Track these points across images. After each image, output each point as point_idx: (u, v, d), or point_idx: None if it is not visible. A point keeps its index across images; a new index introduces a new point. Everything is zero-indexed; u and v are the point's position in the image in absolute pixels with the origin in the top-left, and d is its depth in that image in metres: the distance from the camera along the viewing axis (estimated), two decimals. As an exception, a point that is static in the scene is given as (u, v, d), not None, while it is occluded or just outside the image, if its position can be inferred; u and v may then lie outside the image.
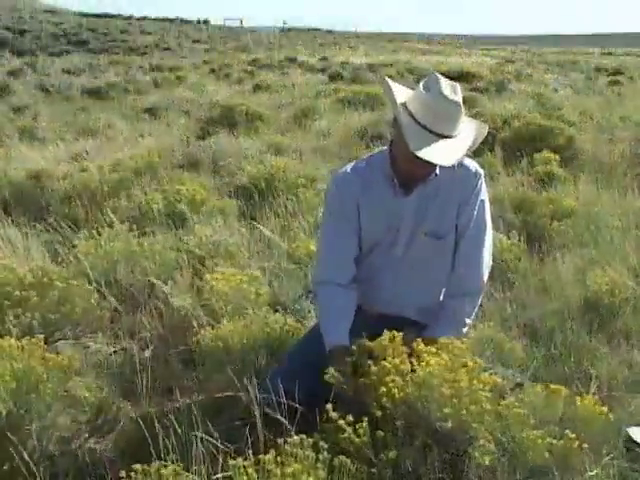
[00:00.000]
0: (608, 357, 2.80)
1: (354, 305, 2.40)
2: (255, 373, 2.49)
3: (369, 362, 2.06)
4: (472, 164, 2.39)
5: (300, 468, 1.73)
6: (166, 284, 3.45)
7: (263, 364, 2.64)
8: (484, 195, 2.40)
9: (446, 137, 2.16)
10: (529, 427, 1.93)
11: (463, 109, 2.18)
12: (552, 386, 2.11)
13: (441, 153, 2.13)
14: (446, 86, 2.16)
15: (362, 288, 2.47)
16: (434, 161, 2.14)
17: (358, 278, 2.46)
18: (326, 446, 1.82)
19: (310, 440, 1.83)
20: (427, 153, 2.11)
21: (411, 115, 2.17)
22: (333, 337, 2.28)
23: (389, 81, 2.30)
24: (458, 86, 2.19)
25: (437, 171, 2.31)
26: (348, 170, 2.46)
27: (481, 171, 2.39)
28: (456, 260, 2.40)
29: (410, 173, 2.29)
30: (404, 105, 2.22)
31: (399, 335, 2.12)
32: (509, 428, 1.95)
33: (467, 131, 2.24)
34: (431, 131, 2.14)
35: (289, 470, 1.72)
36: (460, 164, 2.32)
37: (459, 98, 2.16)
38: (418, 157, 2.12)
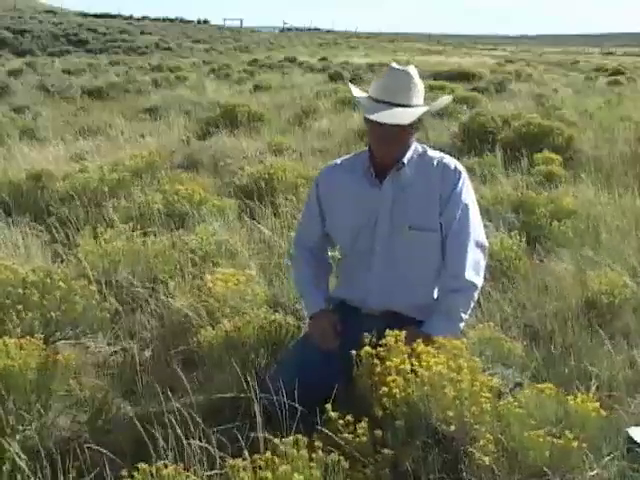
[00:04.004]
0: (608, 357, 2.80)
1: (325, 272, 2.67)
2: (255, 373, 2.49)
3: (376, 362, 2.07)
4: (452, 162, 2.47)
5: (290, 468, 1.73)
6: (166, 284, 3.45)
7: (263, 364, 2.64)
8: (466, 192, 2.43)
9: (402, 106, 2.32)
10: (529, 427, 1.93)
11: (415, 79, 2.36)
12: (545, 385, 2.11)
13: (391, 115, 2.29)
14: (397, 64, 2.43)
15: (355, 288, 2.52)
16: (381, 120, 2.29)
17: (348, 279, 2.59)
18: (321, 445, 1.82)
19: (305, 440, 1.83)
20: (378, 116, 2.30)
21: (369, 97, 2.41)
22: (311, 306, 2.56)
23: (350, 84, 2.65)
24: (412, 66, 2.43)
25: (405, 160, 2.41)
26: (337, 162, 2.64)
27: (461, 168, 2.45)
28: (444, 257, 2.41)
29: (379, 154, 2.42)
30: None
31: (401, 334, 2.12)
32: (509, 428, 1.95)
33: (428, 102, 2.44)
34: (383, 101, 2.34)
35: (280, 470, 1.72)
36: (440, 162, 2.44)
37: (410, 70, 2.37)
38: (372, 121, 2.31)
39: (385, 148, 2.40)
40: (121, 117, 9.57)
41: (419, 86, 2.38)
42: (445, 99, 2.63)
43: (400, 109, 2.31)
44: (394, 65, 2.40)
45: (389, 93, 2.33)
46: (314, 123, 9.22)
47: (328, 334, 2.41)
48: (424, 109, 2.36)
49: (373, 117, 2.31)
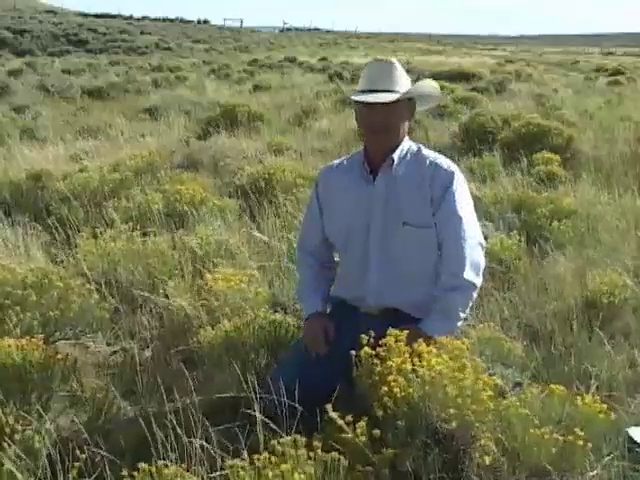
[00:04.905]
0: (608, 357, 2.80)
1: (328, 276, 2.66)
2: (255, 373, 2.49)
3: (376, 362, 2.07)
4: (445, 162, 2.47)
5: (290, 467, 1.73)
6: (166, 284, 3.45)
7: (263, 364, 2.64)
8: (460, 191, 2.42)
9: (386, 91, 2.34)
10: (532, 426, 1.93)
11: (397, 67, 2.40)
12: (551, 386, 2.12)
13: (374, 96, 2.33)
14: (380, 56, 2.55)
15: (353, 288, 2.53)
16: (363, 99, 2.35)
17: (347, 279, 2.58)
18: (320, 445, 1.82)
19: (304, 439, 1.83)
20: (362, 98, 2.36)
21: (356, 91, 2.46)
22: (307, 308, 2.58)
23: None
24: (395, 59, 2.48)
25: (395, 156, 2.42)
26: (335, 163, 2.66)
27: (454, 168, 2.45)
28: (442, 257, 2.40)
29: (370, 145, 2.45)
30: None
31: (401, 334, 2.12)
32: (510, 427, 1.95)
33: (415, 87, 2.44)
34: (369, 90, 2.37)
35: (278, 470, 1.72)
36: (432, 162, 2.44)
37: (391, 59, 2.45)
38: (360, 110, 2.40)
39: (375, 137, 2.40)
40: (121, 117, 9.57)
41: (403, 75, 2.41)
42: (428, 85, 2.53)
43: (383, 94, 2.33)
44: (377, 57, 2.50)
45: (372, 82, 2.37)
46: (314, 123, 9.22)
47: (318, 339, 2.41)
48: (408, 90, 2.38)
49: (357, 98, 2.37)
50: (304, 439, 1.83)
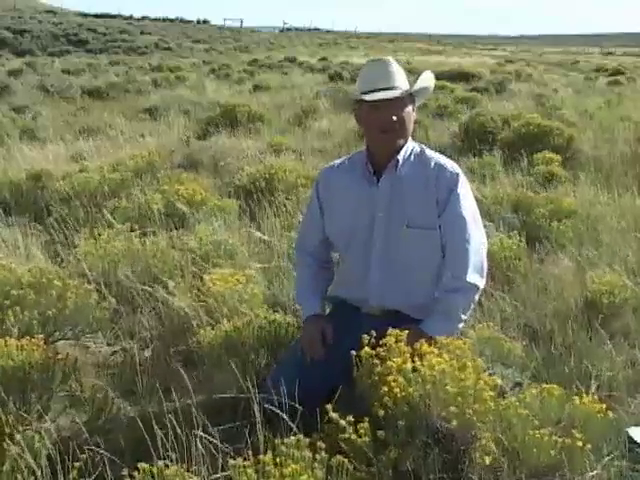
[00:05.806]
0: (608, 357, 2.80)
1: (326, 277, 2.66)
2: (255, 373, 2.49)
3: (376, 362, 2.07)
4: (449, 163, 2.47)
5: (298, 468, 1.73)
6: (166, 284, 3.45)
7: (263, 364, 2.64)
8: (464, 193, 2.43)
9: (387, 89, 2.34)
10: (532, 427, 1.93)
11: (393, 64, 2.42)
12: (549, 386, 2.12)
13: (381, 94, 2.34)
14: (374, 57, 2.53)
15: (354, 288, 2.52)
16: (374, 97, 2.33)
17: (348, 279, 2.57)
18: (323, 446, 1.82)
19: (307, 440, 1.83)
20: (368, 97, 2.35)
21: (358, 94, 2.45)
22: (306, 310, 2.56)
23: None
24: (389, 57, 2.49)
25: (400, 157, 2.41)
26: (336, 163, 2.65)
27: (458, 170, 2.46)
28: (445, 258, 2.40)
29: (378, 144, 2.43)
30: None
31: (402, 334, 2.12)
32: (510, 428, 1.95)
33: (419, 80, 2.47)
34: (370, 91, 2.36)
35: (287, 470, 1.72)
36: (436, 163, 2.44)
37: (385, 57, 2.46)
38: (368, 111, 2.37)
39: (384, 136, 2.38)
40: (121, 117, 9.57)
41: (400, 71, 2.42)
42: (428, 78, 2.54)
43: (386, 92, 2.33)
44: (372, 58, 2.51)
45: (372, 82, 2.37)
46: (314, 123, 9.22)
47: (315, 343, 2.41)
48: (407, 87, 2.39)
49: (367, 97, 2.34)
50: (307, 440, 1.83)
